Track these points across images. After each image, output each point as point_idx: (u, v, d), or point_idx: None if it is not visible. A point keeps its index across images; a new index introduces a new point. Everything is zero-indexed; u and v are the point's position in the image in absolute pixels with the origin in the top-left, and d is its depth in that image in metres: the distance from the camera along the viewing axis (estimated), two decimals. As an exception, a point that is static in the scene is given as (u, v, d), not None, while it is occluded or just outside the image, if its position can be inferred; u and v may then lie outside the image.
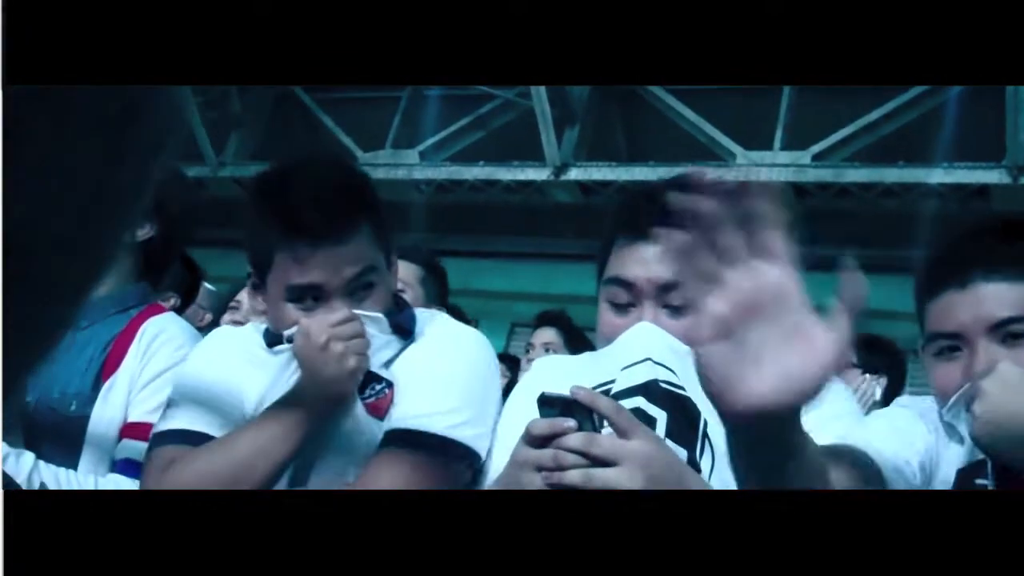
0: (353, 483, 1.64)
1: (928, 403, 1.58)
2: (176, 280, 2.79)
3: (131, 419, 1.94)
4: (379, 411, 1.69)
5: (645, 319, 1.54)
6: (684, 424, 1.42)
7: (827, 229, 6.73)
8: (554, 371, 1.67)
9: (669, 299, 1.54)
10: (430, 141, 8.38)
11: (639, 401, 1.43)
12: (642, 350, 1.49)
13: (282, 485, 1.68)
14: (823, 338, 0.93)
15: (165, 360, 1.98)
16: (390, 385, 1.71)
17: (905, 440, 1.52)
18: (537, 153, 7.74)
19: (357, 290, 1.69)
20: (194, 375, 1.81)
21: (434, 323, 1.83)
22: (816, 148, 7.23)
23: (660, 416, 1.42)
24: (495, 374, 1.84)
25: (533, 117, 7.56)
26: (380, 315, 1.70)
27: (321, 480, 1.68)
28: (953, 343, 1.50)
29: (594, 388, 1.46)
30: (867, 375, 3.46)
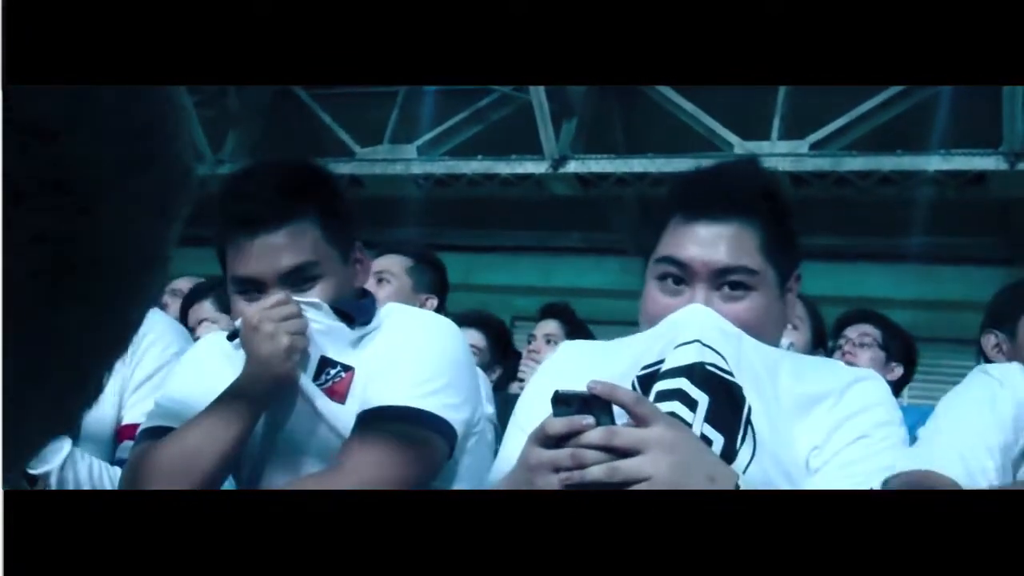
0: (331, 466, 1.66)
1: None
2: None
3: (128, 421, 1.98)
4: (338, 395, 1.73)
5: (697, 301, 1.49)
6: (727, 410, 1.39)
7: (826, 218, 6.74)
8: (581, 355, 1.65)
9: (723, 283, 1.50)
10: (428, 136, 8.37)
11: (682, 382, 1.40)
12: (693, 331, 1.44)
13: (246, 469, 1.72)
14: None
15: (155, 360, 2.02)
16: (347, 369, 1.74)
17: (972, 460, 1.49)
18: (535, 146, 7.73)
19: (297, 283, 1.73)
20: (174, 378, 1.90)
21: (398, 314, 1.86)
22: (813, 137, 7.22)
23: (702, 399, 1.38)
24: (466, 354, 1.88)
25: (530, 111, 7.55)
26: (318, 300, 1.73)
27: (284, 463, 1.72)
28: None
29: (644, 368, 1.45)
30: (892, 363, 3.47)
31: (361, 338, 1.78)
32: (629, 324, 1.66)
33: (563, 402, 1.29)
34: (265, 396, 1.70)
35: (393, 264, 3.13)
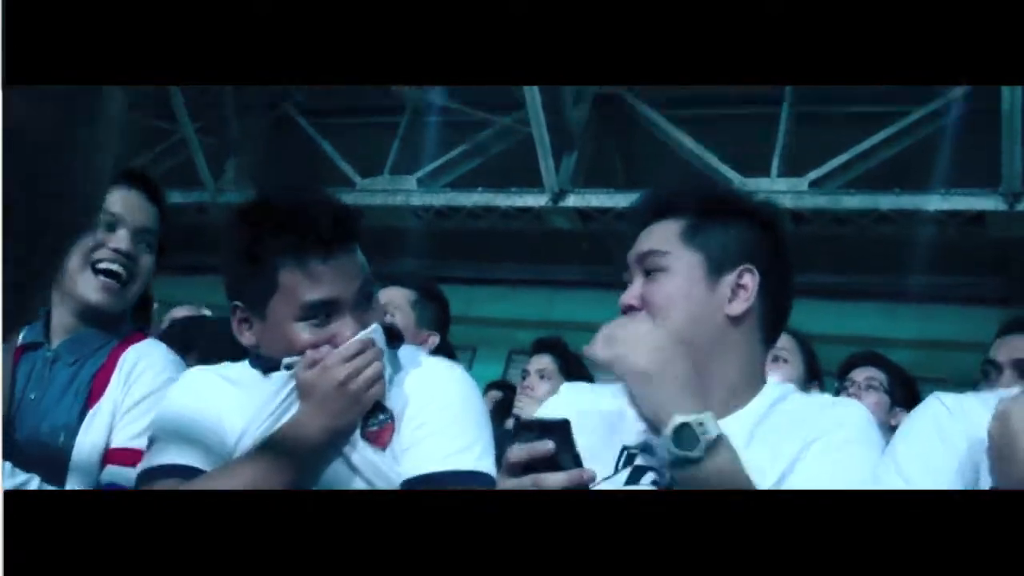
0: None
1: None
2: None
3: (114, 445, 1.96)
4: (380, 441, 1.69)
5: (634, 287, 1.58)
6: None
7: (824, 256, 6.75)
8: (579, 399, 1.67)
9: (645, 267, 1.58)
10: (428, 167, 8.40)
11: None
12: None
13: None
14: None
15: (147, 386, 2.00)
16: (392, 417, 1.71)
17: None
18: (535, 179, 7.76)
19: (363, 302, 1.71)
20: (173, 412, 1.81)
21: (417, 360, 1.84)
22: (813, 175, 7.25)
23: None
24: (481, 400, 1.88)
25: (531, 143, 7.58)
26: (376, 325, 1.71)
27: None
28: None
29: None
30: (896, 408, 3.46)
31: (391, 373, 1.76)
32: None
33: (526, 428, 1.36)
34: (325, 448, 1.66)
35: (397, 296, 3.12)
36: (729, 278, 1.55)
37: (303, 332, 1.68)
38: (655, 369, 1.42)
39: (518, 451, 1.32)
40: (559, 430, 1.32)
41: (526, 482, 1.30)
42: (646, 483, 1.46)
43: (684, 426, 1.36)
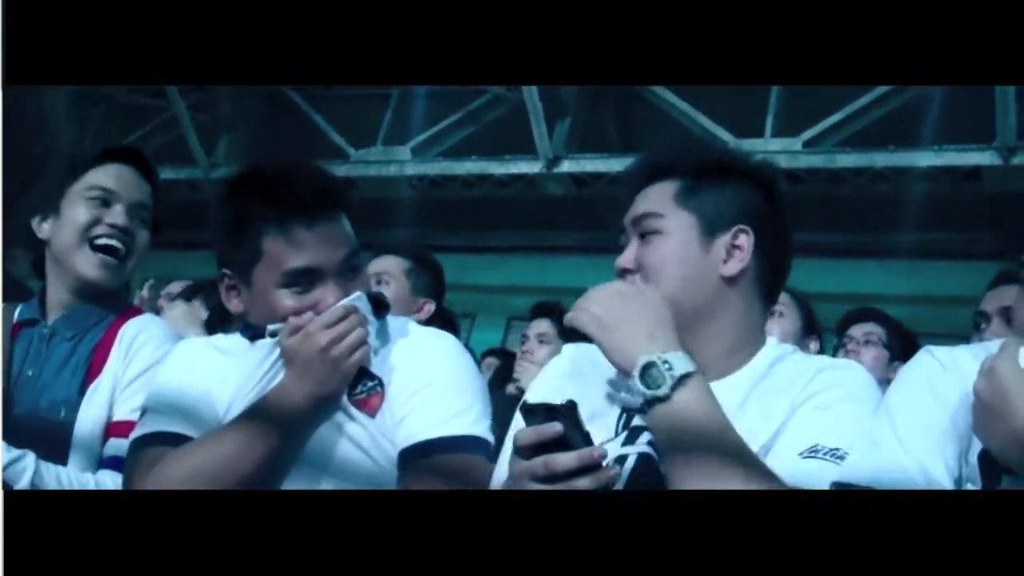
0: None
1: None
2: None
3: (116, 418, 1.97)
4: (370, 408, 1.70)
5: (630, 250, 1.57)
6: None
7: (820, 215, 6.75)
8: (581, 358, 1.68)
9: (639, 230, 1.58)
10: (421, 137, 8.38)
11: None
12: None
13: (267, 479, 1.69)
14: None
15: (147, 359, 2.02)
16: (381, 384, 1.72)
17: (939, 440, 1.47)
18: (529, 147, 7.74)
19: (348, 271, 1.71)
20: (165, 382, 1.83)
21: (409, 329, 1.85)
22: (807, 135, 7.24)
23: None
24: (477, 369, 1.89)
25: (524, 111, 7.55)
26: (360, 293, 1.72)
27: (305, 472, 1.70)
28: None
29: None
30: (895, 363, 3.47)
31: (379, 345, 1.76)
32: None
33: (532, 412, 1.35)
34: (311, 413, 1.68)
35: (391, 265, 3.12)
36: (724, 239, 1.55)
37: (286, 299, 1.69)
38: (611, 316, 1.44)
39: (527, 434, 1.33)
40: (567, 412, 1.33)
41: (538, 463, 1.30)
42: (642, 443, 1.46)
43: (650, 365, 1.37)
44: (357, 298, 1.70)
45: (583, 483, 1.29)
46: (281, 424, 1.64)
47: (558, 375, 1.63)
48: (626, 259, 1.56)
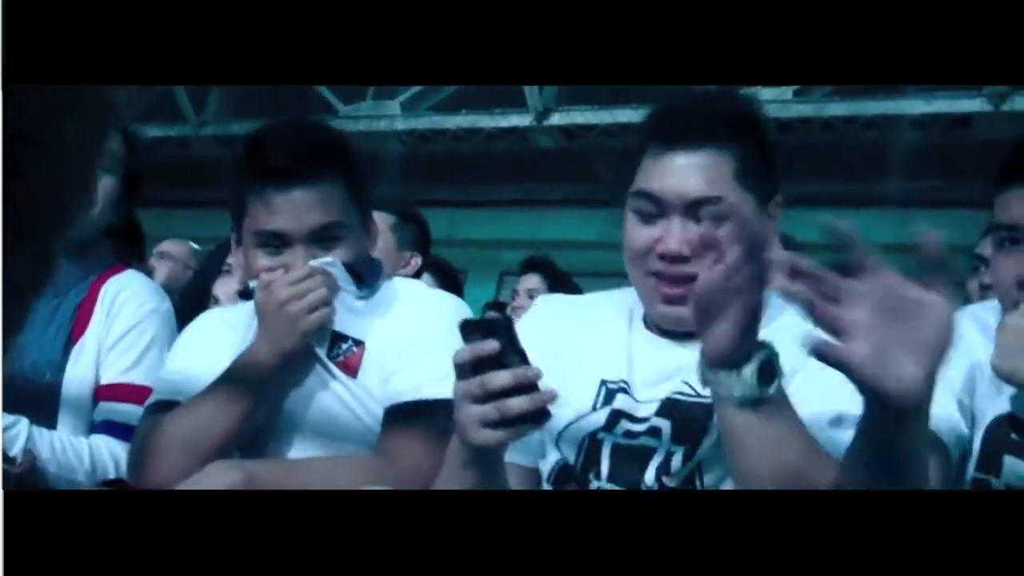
0: (370, 458, 1.66)
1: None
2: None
3: (104, 380, 1.97)
4: (350, 369, 1.72)
5: (673, 230, 1.49)
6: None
7: (811, 163, 6.73)
8: (556, 311, 1.67)
9: (697, 214, 1.49)
10: (410, 92, 8.32)
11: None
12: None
13: (258, 445, 1.71)
14: (933, 303, 1.09)
15: (130, 318, 2.01)
16: (358, 343, 1.73)
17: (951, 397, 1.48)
18: (519, 100, 7.70)
19: (322, 241, 1.71)
20: (176, 352, 1.87)
21: (407, 291, 1.85)
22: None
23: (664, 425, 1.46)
24: None
25: (513, 63, 7.50)
26: (333, 259, 1.71)
27: (292, 436, 1.72)
28: (1013, 235, 1.50)
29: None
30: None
31: (367, 309, 1.76)
32: (617, 276, 1.66)
33: (469, 330, 1.33)
34: (277, 370, 1.68)
35: (377, 221, 3.13)
36: (772, 216, 1.55)
37: (260, 258, 1.72)
38: None
39: (463, 352, 1.30)
40: (503, 329, 1.31)
41: (474, 383, 1.27)
42: (619, 434, 1.46)
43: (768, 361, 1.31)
44: (329, 263, 1.71)
45: (519, 403, 1.26)
46: (251, 382, 1.67)
47: (534, 328, 1.59)
48: (679, 241, 1.49)
